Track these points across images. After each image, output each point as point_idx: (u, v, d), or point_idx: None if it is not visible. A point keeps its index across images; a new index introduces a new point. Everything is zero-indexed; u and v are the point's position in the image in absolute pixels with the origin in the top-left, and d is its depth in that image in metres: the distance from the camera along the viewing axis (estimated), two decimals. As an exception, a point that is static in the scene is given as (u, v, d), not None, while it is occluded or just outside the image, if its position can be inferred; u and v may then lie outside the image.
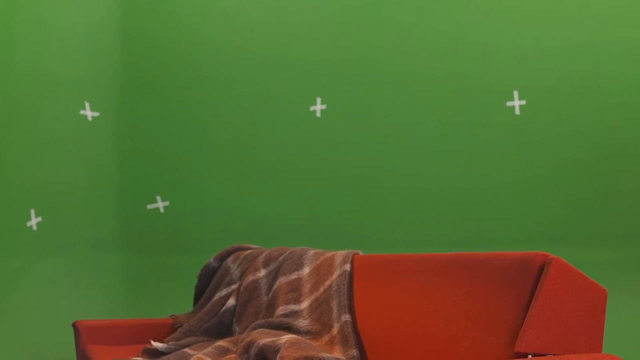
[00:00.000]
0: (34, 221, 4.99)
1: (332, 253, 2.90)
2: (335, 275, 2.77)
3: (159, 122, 5.13)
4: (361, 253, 2.88)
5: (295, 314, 2.81)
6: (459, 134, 4.88)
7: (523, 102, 4.86)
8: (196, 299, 3.47)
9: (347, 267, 2.75)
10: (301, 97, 5.03)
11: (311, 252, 2.99)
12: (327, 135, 4.98)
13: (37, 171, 5.00)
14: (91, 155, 5.14)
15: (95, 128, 5.16)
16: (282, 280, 2.95)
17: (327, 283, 2.78)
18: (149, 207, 5.16)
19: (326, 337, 2.69)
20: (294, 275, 2.92)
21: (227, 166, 5.07)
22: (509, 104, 4.87)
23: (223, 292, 3.20)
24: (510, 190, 4.82)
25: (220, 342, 2.91)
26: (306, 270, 2.90)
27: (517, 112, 4.86)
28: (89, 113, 5.16)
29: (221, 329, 3.12)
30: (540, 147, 4.87)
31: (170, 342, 3.04)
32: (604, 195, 4.83)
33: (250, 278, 3.10)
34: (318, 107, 5.04)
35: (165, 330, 3.33)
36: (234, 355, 2.79)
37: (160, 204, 5.15)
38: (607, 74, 4.83)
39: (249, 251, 3.32)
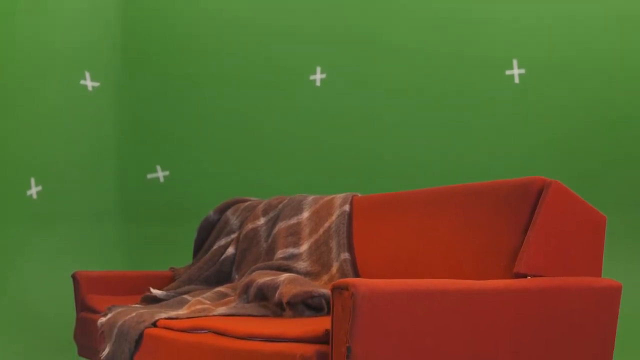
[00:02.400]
0: (34, 190, 5.00)
1: (331, 196, 2.90)
2: (334, 217, 2.77)
3: (159, 92, 5.15)
4: (360, 195, 2.88)
5: (294, 256, 2.81)
6: (458, 103, 4.89)
7: (522, 71, 4.87)
8: (195, 253, 3.46)
9: (347, 207, 2.75)
10: (301, 67, 5.04)
11: (310, 197, 2.99)
12: (326, 105, 4.99)
13: (37, 140, 5.01)
14: (91, 124, 5.15)
15: (95, 98, 5.17)
16: (281, 225, 2.95)
17: (327, 225, 2.78)
18: (149, 176, 5.17)
19: (325, 277, 2.69)
20: (293, 220, 2.92)
21: (227, 135, 5.07)
22: (508, 72, 4.87)
23: (222, 242, 3.19)
24: (509, 159, 4.82)
25: (219, 288, 2.91)
26: (305, 214, 2.90)
27: (517, 80, 4.87)
28: (89, 83, 5.17)
29: (220, 277, 3.12)
30: (540, 115, 4.88)
31: (169, 290, 3.04)
32: (604, 163, 4.83)
33: (249, 226, 3.10)
34: (318, 76, 5.04)
35: (164, 282, 3.33)
36: (232, 297, 2.79)
37: (160, 174, 5.16)
38: (606, 42, 4.83)
39: (249, 202, 3.32)
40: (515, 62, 4.87)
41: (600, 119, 4.79)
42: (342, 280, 1.82)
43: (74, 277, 3.20)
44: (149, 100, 5.17)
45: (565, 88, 4.82)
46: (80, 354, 3.11)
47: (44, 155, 5.03)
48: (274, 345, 1.99)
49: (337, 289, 1.81)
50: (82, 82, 5.15)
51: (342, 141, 4.96)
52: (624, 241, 4.71)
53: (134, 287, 3.27)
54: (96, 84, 5.18)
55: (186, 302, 2.89)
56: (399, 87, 4.94)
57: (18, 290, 4.88)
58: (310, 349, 1.86)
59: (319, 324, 2.10)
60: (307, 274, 2.74)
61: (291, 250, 2.84)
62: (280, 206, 3.07)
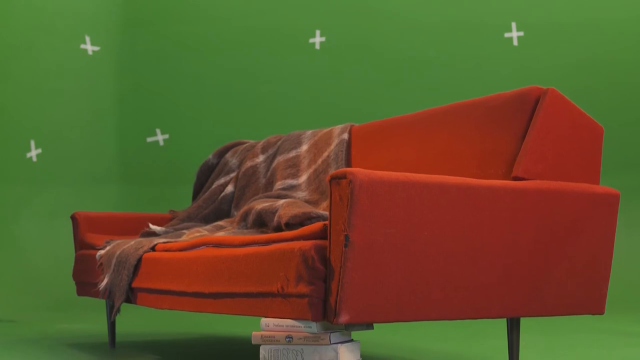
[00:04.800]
0: (33, 152, 5.01)
1: (329, 128, 2.91)
2: (333, 145, 2.77)
3: (159, 56, 5.16)
4: (358, 125, 2.88)
5: (293, 187, 2.81)
6: (457, 65, 4.90)
7: (521, 34, 4.88)
8: (195, 197, 3.46)
9: (345, 135, 2.75)
10: (300, 30, 5.06)
11: (309, 131, 3.00)
12: (326, 68, 5.00)
13: (37, 103, 5.02)
14: (91, 88, 5.17)
15: (95, 62, 5.19)
16: (280, 159, 2.95)
17: (325, 154, 2.78)
18: (149, 140, 5.18)
19: (324, 204, 2.69)
20: (292, 153, 2.92)
21: (226, 99, 5.08)
22: (507, 35, 4.89)
23: (221, 180, 3.19)
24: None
25: (218, 222, 2.92)
26: (304, 147, 2.90)
27: (515, 43, 4.89)
28: (89, 47, 5.18)
29: (219, 215, 3.12)
30: (538, 77, 4.89)
31: (168, 227, 3.04)
32: (603, 125, 4.83)
33: (248, 164, 3.10)
34: (317, 39, 5.06)
35: (163, 224, 3.33)
36: (231, 227, 2.79)
37: (160, 137, 5.16)
38: (605, 5, 4.84)
39: (248, 143, 3.32)
40: (514, 24, 4.89)
41: (599, 81, 4.80)
42: (339, 170, 1.82)
43: (73, 217, 3.20)
44: (149, 64, 5.19)
45: (564, 50, 4.83)
46: (79, 293, 3.11)
47: (43, 118, 5.04)
48: (272, 246, 1.99)
49: (335, 179, 1.81)
50: (82, 46, 5.16)
51: (341, 103, 4.97)
52: (626, 207, 4.72)
53: (133, 228, 3.27)
54: (96, 48, 5.20)
55: (184, 234, 2.90)
56: (398, 50, 4.95)
57: (17, 249, 4.89)
58: (308, 243, 1.86)
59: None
60: (306, 202, 2.74)
61: (290, 181, 2.84)
62: (279, 143, 3.07)
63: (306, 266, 1.83)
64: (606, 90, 4.84)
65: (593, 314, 2.14)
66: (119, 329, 3.77)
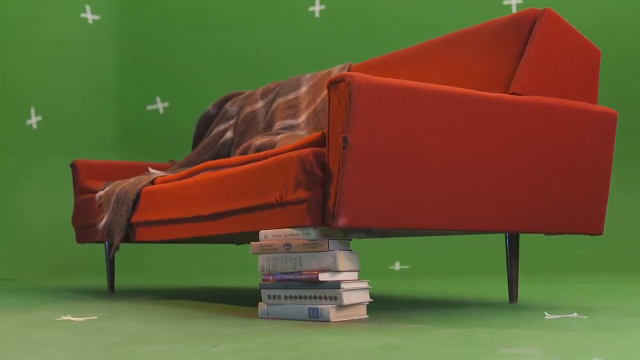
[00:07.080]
0: (33, 120, 5.01)
1: (328, 69, 2.92)
2: (332, 84, 2.78)
3: (159, 24, 5.17)
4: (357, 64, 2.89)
5: (292, 127, 2.82)
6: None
7: (520, 1, 4.89)
8: (194, 147, 3.46)
9: (344, 73, 2.76)
10: (300, -2, 5.08)
11: (308, 74, 3.01)
12: (325, 36, 5.01)
13: (38, 71, 5.03)
14: (92, 56, 5.18)
15: (96, 31, 5.20)
16: (279, 101, 2.96)
17: (324, 94, 2.79)
18: (149, 108, 5.18)
19: (323, 140, 2.70)
20: (291, 95, 2.93)
21: (225, 68, 5.09)
22: (505, 2, 4.90)
23: (221, 127, 3.20)
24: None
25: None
26: (303, 89, 2.91)
27: (514, 10, 4.90)
28: (89, 16, 5.19)
29: (219, 160, 3.13)
30: (538, 45, 4.90)
31: (167, 172, 3.05)
32: (605, 98, 4.84)
33: (248, 109, 3.11)
34: (317, 7, 5.06)
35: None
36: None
37: (160, 105, 5.17)
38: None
39: (247, 92, 3.33)
40: (512, -8, 4.90)
41: (603, 46, 4.82)
42: (337, 74, 1.83)
43: (72, 164, 3.21)
44: (149, 32, 5.20)
45: (564, 17, 4.85)
46: (79, 239, 3.12)
47: (43, 86, 5.05)
48: (270, 159, 2.00)
49: (333, 84, 1.82)
50: (82, 15, 5.17)
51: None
52: (623, 174, 4.70)
53: (132, 176, 3.28)
54: (97, 17, 5.21)
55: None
56: (397, 18, 4.96)
57: (17, 216, 4.89)
58: (307, 150, 1.87)
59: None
60: (305, 140, 2.75)
61: (289, 121, 2.85)
62: (277, 88, 3.08)
63: (304, 172, 1.83)
64: (605, 58, 4.85)
65: (591, 234, 2.15)
66: (118, 283, 3.77)
